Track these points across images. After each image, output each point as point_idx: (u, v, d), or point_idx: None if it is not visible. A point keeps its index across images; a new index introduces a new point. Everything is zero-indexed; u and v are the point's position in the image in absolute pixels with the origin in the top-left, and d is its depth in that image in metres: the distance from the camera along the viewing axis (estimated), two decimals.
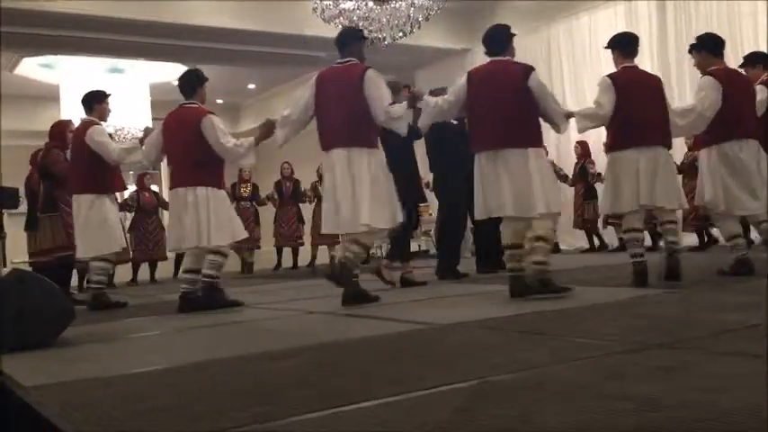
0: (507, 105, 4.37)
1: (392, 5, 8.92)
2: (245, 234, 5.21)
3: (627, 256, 4.73)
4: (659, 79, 4.94)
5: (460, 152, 6.19)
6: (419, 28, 9.85)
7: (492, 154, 4.36)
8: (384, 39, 9.03)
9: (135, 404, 2.14)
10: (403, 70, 11.63)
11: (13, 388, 2.53)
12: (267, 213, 11.04)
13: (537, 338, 2.90)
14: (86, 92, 5.96)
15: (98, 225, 5.53)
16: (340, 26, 9.13)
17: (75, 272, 6.90)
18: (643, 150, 4.57)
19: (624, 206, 4.65)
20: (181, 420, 1.90)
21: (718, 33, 5.41)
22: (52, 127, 6.49)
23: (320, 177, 10.71)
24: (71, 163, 5.73)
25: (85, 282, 6.02)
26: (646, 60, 9.55)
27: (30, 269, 5.89)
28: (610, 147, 4.78)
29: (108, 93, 5.91)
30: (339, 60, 4.80)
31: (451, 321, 3.52)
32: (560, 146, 10.49)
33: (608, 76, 4.71)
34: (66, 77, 14.21)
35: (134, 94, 14.46)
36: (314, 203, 10.45)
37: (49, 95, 14.52)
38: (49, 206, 6.22)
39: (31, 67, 14.07)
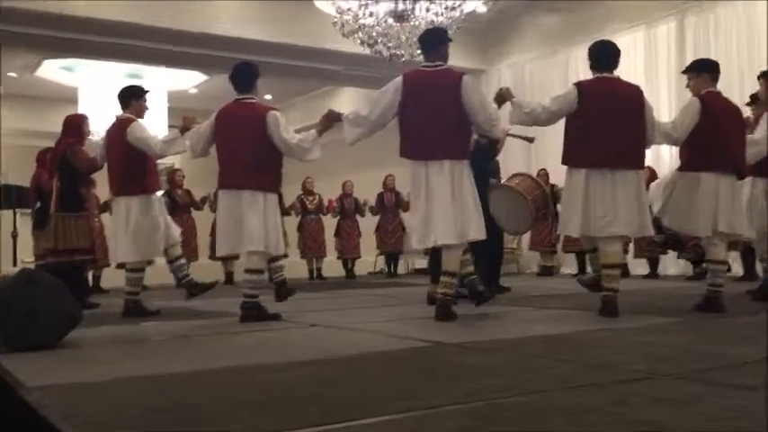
0: (631, 126, 4.40)
1: (411, 23, 8.95)
2: (283, 250, 5.02)
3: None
4: (738, 107, 4.93)
5: (485, 170, 6.15)
6: None
7: (607, 173, 4.34)
8: (402, 55, 9.05)
9: (136, 409, 2.13)
10: None
11: (16, 387, 2.52)
12: None
13: (544, 362, 2.87)
14: (124, 87, 5.64)
15: (150, 228, 5.28)
16: (359, 41, 9.20)
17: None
18: (722, 176, 4.60)
19: (701, 230, 4.61)
20: (181, 428, 1.88)
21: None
22: (68, 121, 6.03)
23: (305, 191, 10.77)
24: (108, 163, 5.42)
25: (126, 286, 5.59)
26: (662, 86, 9.55)
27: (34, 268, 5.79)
28: (690, 166, 4.68)
29: (146, 89, 5.61)
30: (427, 63, 4.59)
31: (458, 341, 3.50)
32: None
33: (699, 98, 4.66)
34: (85, 81, 14.34)
35: (151, 100, 14.52)
36: (299, 216, 10.64)
37: (68, 98, 14.65)
38: (72, 205, 5.80)
39: (52, 70, 14.21)
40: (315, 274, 10.61)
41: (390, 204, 10.90)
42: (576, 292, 6.45)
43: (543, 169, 9.44)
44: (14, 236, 8.82)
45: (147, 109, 5.57)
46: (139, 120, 5.40)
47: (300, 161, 4.87)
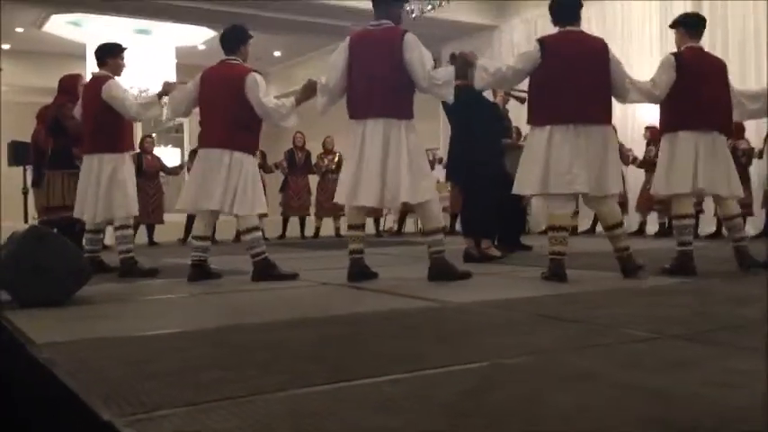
0: (596, 79, 4.28)
1: None
2: (265, 208, 5.04)
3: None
4: (724, 63, 4.73)
5: (494, 131, 6.08)
6: (448, 1, 9.72)
7: (571, 128, 4.22)
8: (413, 11, 8.93)
9: (144, 367, 2.14)
10: (429, 44, 11.47)
11: (25, 344, 2.55)
12: (272, 182, 11.09)
13: (552, 322, 2.88)
14: (100, 44, 5.56)
15: (120, 186, 5.25)
16: None
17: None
18: (702, 134, 4.45)
19: (679, 187, 4.48)
20: (188, 385, 1.90)
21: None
22: (62, 81, 6.11)
23: (325, 150, 10.71)
24: (83, 120, 5.40)
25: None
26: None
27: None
28: (667, 126, 4.57)
29: (124, 46, 5.50)
30: (373, 23, 4.50)
31: (466, 300, 3.50)
32: None
33: (673, 54, 4.54)
34: (93, 36, 14.24)
35: (160, 56, 14.46)
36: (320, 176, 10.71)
37: (76, 54, 14.57)
38: (63, 163, 5.91)
39: (59, 25, 14.11)
40: (336, 233, 10.64)
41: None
42: (588, 251, 6.45)
43: None
44: (25, 192, 8.88)
45: (124, 66, 5.49)
46: (116, 78, 5.34)
47: (276, 126, 4.95)
